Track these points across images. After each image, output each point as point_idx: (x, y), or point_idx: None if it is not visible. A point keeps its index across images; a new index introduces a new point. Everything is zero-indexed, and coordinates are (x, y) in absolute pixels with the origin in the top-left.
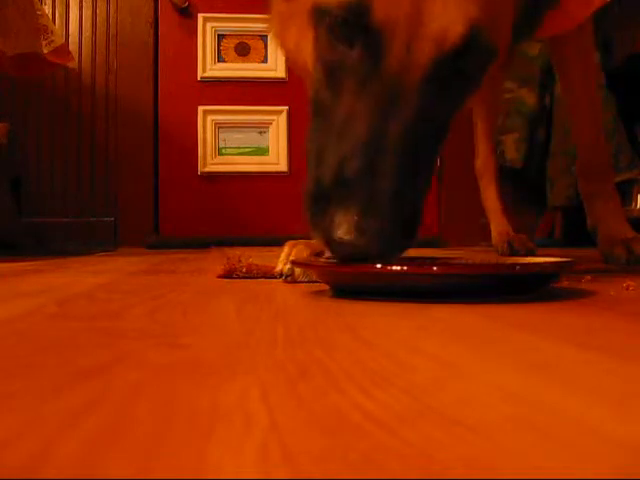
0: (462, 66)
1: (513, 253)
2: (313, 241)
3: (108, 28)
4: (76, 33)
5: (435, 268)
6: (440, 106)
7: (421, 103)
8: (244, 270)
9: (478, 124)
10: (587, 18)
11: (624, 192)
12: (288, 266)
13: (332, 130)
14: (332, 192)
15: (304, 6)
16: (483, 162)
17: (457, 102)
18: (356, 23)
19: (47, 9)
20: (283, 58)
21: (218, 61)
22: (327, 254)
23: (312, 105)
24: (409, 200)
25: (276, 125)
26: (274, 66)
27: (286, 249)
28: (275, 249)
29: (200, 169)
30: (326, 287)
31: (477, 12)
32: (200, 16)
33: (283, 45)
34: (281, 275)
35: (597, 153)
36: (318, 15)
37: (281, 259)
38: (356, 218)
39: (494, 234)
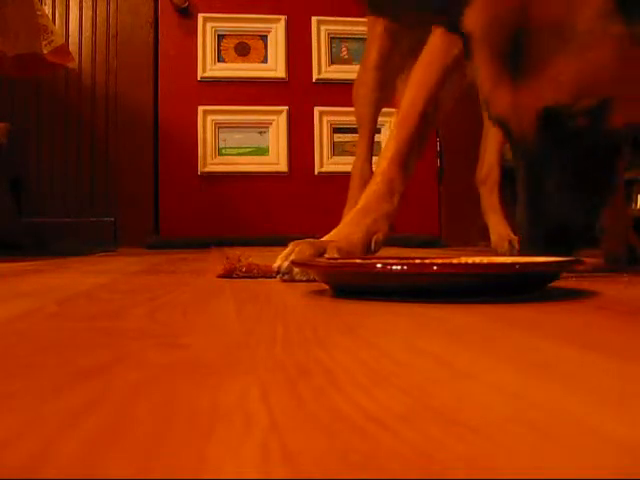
0: None
1: (514, 253)
2: (316, 240)
3: (108, 28)
4: (76, 33)
5: (435, 268)
6: None
7: None
8: (244, 270)
9: (488, 134)
10: None
11: (624, 192)
12: (286, 264)
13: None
14: None
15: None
16: (487, 172)
17: None
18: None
19: (47, 9)
20: (283, 58)
21: (218, 61)
22: (328, 254)
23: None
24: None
25: (276, 125)
26: (274, 66)
27: (288, 248)
28: (275, 249)
29: (200, 169)
30: (326, 287)
31: None
32: (200, 16)
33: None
34: (278, 272)
35: None
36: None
37: (281, 256)
38: None
39: (494, 235)
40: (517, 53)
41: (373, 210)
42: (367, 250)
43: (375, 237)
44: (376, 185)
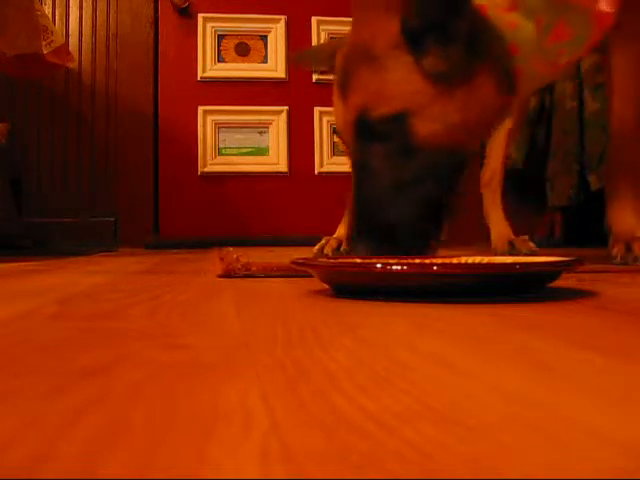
0: None
1: (514, 253)
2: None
3: (108, 28)
4: (76, 33)
5: (435, 268)
6: None
7: None
8: (241, 267)
9: (493, 140)
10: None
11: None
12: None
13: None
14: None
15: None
16: (490, 176)
17: None
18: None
19: (47, 9)
20: (283, 58)
21: (218, 61)
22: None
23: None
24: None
25: (276, 125)
26: (274, 66)
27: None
28: (275, 249)
29: (200, 169)
30: (326, 287)
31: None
32: (200, 16)
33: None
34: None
35: (629, 145)
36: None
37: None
38: None
39: (494, 235)
40: (346, 78)
41: None
42: None
43: None
44: None
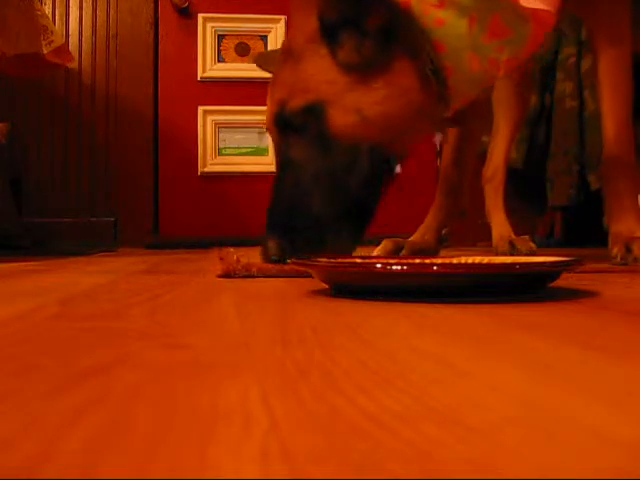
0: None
1: (515, 253)
2: (399, 239)
3: (108, 28)
4: (76, 33)
5: (435, 268)
6: None
7: None
8: (241, 268)
9: (497, 135)
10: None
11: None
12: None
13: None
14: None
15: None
16: (493, 173)
17: None
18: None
19: (47, 9)
20: None
21: (218, 61)
22: (404, 251)
23: None
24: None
25: None
26: None
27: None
28: None
29: (200, 169)
30: (326, 287)
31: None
32: (200, 16)
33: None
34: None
35: (623, 144)
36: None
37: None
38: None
39: (495, 235)
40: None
41: (439, 209)
42: (440, 243)
43: (444, 231)
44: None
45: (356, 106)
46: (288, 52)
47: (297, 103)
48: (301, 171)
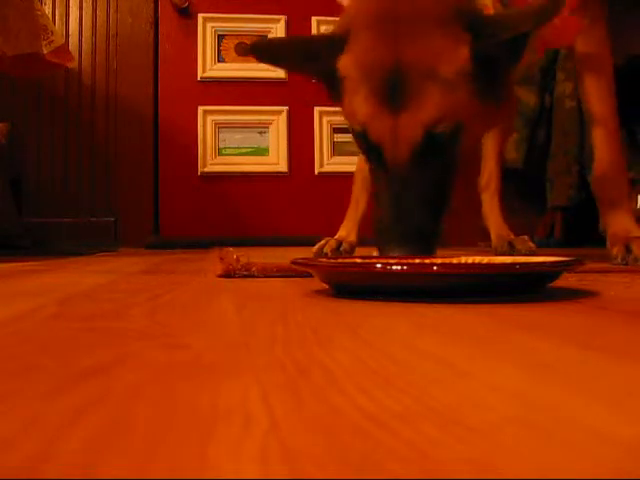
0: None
1: (514, 253)
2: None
3: (108, 28)
4: (76, 33)
5: (435, 268)
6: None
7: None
8: (241, 268)
9: (487, 142)
10: (597, 19)
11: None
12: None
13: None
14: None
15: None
16: (488, 179)
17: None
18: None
19: (47, 9)
20: None
21: (218, 61)
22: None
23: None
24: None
25: (276, 125)
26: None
27: None
28: (275, 249)
29: (200, 169)
30: (326, 287)
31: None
32: (200, 16)
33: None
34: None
35: (614, 163)
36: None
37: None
38: None
39: (494, 236)
40: (393, 90)
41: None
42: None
43: None
44: None
45: (483, 125)
46: (430, 74)
47: (448, 124)
48: (424, 186)
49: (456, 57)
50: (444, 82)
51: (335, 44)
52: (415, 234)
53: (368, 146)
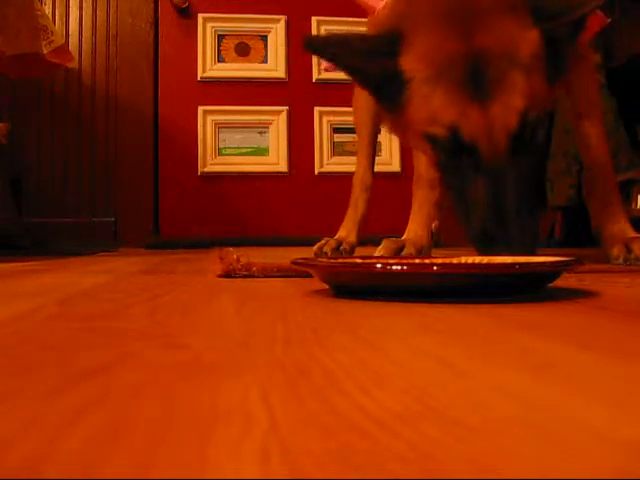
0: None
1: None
2: (398, 239)
3: (108, 28)
4: (76, 33)
5: (435, 268)
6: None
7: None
8: (241, 268)
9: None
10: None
11: (624, 192)
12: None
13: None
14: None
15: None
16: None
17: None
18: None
19: (47, 9)
20: (283, 58)
21: (218, 61)
22: (405, 250)
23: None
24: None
25: (276, 125)
26: (274, 66)
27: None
28: (275, 249)
29: (200, 169)
30: (326, 287)
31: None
32: (200, 16)
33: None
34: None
35: (602, 169)
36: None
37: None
38: None
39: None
40: (477, 83)
41: (424, 204)
42: (431, 238)
43: (433, 225)
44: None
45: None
46: (509, 57)
47: (538, 108)
48: (523, 179)
49: (529, 40)
50: (525, 67)
51: (392, 44)
52: (520, 232)
53: (458, 147)
